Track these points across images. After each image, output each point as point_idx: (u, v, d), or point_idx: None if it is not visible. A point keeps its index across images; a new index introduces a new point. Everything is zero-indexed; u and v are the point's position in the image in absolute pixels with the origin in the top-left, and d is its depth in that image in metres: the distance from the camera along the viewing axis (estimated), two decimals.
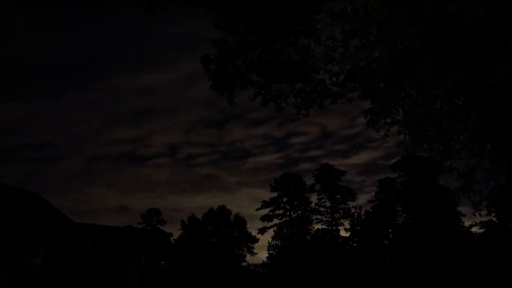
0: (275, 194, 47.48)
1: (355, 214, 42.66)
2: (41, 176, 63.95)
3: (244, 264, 49.23)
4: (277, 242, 46.09)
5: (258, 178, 71.48)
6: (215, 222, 48.86)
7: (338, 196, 45.01)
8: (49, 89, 65.79)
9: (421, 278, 30.57)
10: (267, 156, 79.86)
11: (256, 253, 50.09)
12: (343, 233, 42.72)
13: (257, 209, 48.36)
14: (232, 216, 50.08)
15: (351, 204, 44.36)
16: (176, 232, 52.59)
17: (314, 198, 46.29)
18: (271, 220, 47.15)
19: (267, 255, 44.66)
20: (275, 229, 46.88)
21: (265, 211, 47.74)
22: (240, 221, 50.00)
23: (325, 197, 45.50)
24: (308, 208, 45.78)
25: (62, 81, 65.23)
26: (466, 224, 37.80)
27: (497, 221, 35.89)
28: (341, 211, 44.26)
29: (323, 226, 43.90)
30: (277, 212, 47.10)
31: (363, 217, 41.47)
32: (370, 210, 41.27)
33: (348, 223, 42.68)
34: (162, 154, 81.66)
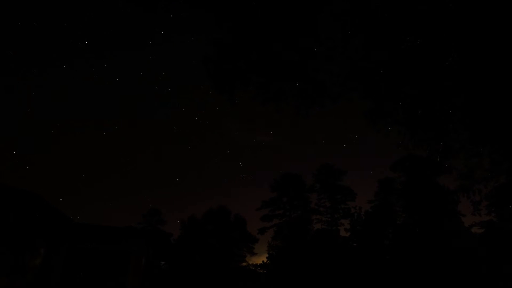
0: (275, 194, 47.49)
1: (355, 214, 42.63)
2: None
3: (244, 264, 49.24)
4: (277, 242, 46.06)
5: None
6: (215, 222, 48.86)
7: (338, 196, 44.98)
8: None
9: (421, 278, 30.57)
10: None
11: (256, 253, 50.16)
12: (343, 233, 42.71)
13: (257, 209, 48.36)
14: (232, 216, 50.15)
15: (351, 204, 44.35)
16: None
17: (314, 198, 46.33)
18: (271, 220, 47.14)
19: (267, 255, 44.63)
20: (275, 229, 46.86)
21: (265, 211, 47.77)
22: (240, 221, 50.03)
23: (325, 197, 45.47)
24: (308, 208, 45.76)
25: None
26: (466, 224, 37.78)
27: (497, 221, 35.83)
28: (341, 211, 44.23)
29: (323, 226, 43.88)
30: (277, 212, 47.09)
31: (363, 217, 41.43)
32: (370, 210, 41.24)
33: (348, 223, 42.67)
34: None
